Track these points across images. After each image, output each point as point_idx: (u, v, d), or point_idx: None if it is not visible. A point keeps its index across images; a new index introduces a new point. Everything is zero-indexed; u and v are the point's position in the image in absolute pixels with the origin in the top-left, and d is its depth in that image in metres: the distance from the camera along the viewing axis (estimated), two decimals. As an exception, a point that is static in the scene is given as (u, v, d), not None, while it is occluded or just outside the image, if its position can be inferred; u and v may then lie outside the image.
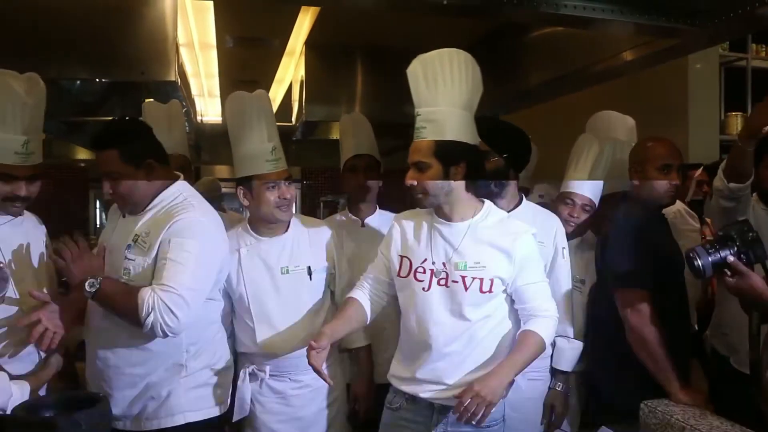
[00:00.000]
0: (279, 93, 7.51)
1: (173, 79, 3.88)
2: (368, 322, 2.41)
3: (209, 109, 8.26)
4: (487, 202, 2.26)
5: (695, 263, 2.03)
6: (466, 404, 2.01)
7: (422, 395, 2.21)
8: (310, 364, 2.14)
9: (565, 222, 2.81)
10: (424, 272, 2.21)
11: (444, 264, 2.17)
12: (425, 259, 2.21)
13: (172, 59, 3.85)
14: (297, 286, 2.57)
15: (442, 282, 2.17)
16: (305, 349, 2.19)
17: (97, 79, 4.06)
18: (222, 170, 8.77)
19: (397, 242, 2.32)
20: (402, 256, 2.27)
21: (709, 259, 2.02)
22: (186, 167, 2.97)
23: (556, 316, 2.24)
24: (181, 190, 2.34)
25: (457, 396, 2.05)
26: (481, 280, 2.13)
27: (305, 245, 2.64)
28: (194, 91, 7.09)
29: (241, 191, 2.58)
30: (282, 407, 2.59)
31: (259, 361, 2.59)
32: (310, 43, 5.32)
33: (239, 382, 2.58)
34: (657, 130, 4.65)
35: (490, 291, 2.14)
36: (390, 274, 2.33)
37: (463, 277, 2.14)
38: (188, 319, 2.11)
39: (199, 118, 7.66)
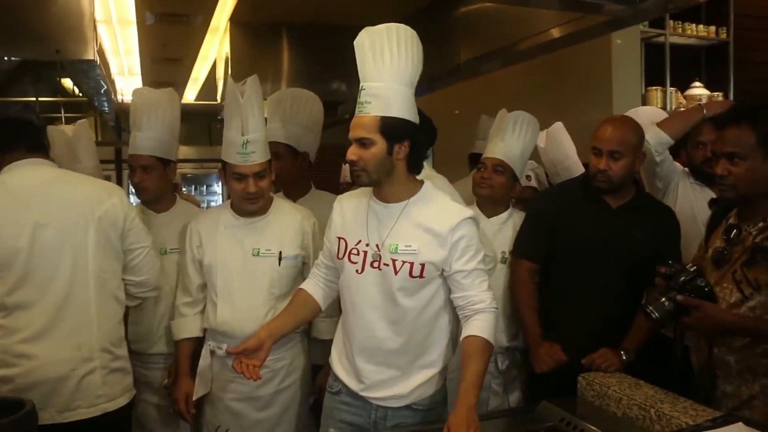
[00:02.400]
0: (202, 71, 7.31)
1: (91, 57, 3.70)
2: (323, 309, 2.39)
3: (130, 88, 7.96)
4: (427, 183, 2.20)
5: (654, 317, 2.14)
6: None
7: (355, 385, 2.19)
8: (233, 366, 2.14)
9: (477, 186, 2.88)
10: (358, 254, 2.16)
11: (377, 246, 2.13)
12: (359, 241, 2.17)
13: (89, 36, 3.65)
14: (265, 270, 2.56)
15: (375, 264, 2.12)
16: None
17: (6, 58, 3.83)
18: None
19: (336, 224, 2.28)
20: (339, 238, 2.23)
21: (666, 306, 2.12)
22: (149, 167, 2.85)
23: (495, 307, 2.12)
24: None
25: None
26: (411, 264, 2.07)
27: (281, 231, 2.62)
28: (114, 69, 6.82)
29: (221, 172, 2.61)
30: (238, 386, 2.57)
31: (218, 339, 2.58)
32: (235, 20, 5.17)
33: (201, 360, 2.60)
34: (583, 104, 4.77)
35: (420, 276, 2.08)
36: (332, 258, 2.29)
37: (394, 261, 2.09)
38: None
39: (119, 97, 7.39)
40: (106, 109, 6.05)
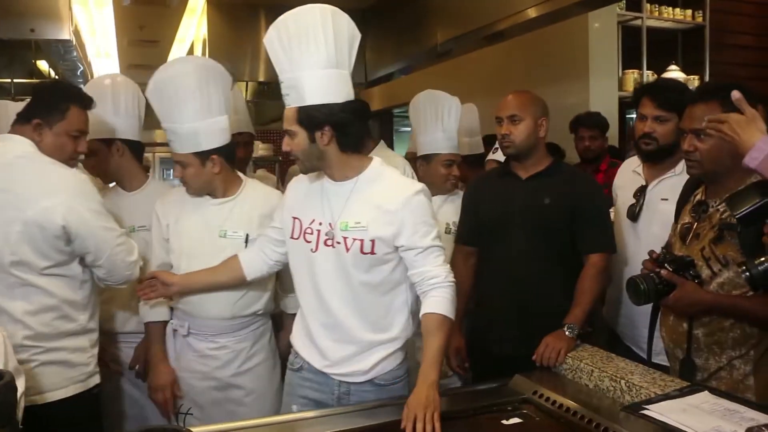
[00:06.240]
0: (180, 52, 7.25)
1: (67, 37, 3.67)
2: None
3: (106, 70, 7.88)
4: (376, 159, 2.20)
5: (641, 288, 2.08)
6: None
7: (317, 362, 2.21)
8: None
9: (446, 181, 3.02)
10: (312, 233, 2.17)
11: (330, 224, 2.14)
12: (313, 220, 2.18)
13: (65, 16, 3.63)
14: (231, 252, 2.50)
15: (329, 243, 2.13)
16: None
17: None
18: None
19: (290, 204, 2.29)
20: (294, 218, 2.24)
21: (654, 280, 2.07)
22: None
23: (451, 281, 2.11)
24: None
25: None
26: (362, 241, 2.08)
27: (249, 213, 2.57)
28: (91, 51, 6.75)
29: None
30: (199, 366, 2.55)
31: (180, 317, 2.57)
32: (213, 2, 5.15)
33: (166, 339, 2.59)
34: (560, 87, 4.80)
35: (372, 252, 2.08)
36: (282, 234, 2.30)
37: (345, 238, 2.10)
38: None
39: (96, 79, 7.30)
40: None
